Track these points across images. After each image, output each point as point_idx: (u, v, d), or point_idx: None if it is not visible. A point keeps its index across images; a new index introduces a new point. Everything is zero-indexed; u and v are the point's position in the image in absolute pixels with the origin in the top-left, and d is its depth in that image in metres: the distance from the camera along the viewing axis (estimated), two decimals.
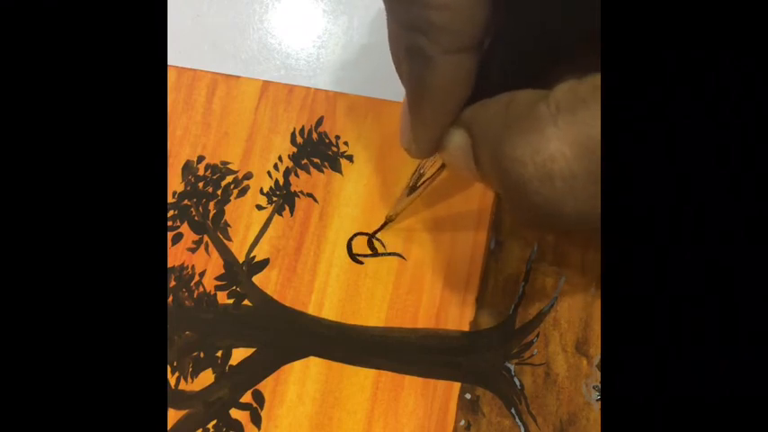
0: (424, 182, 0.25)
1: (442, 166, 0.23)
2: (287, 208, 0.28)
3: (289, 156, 0.28)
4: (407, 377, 0.26)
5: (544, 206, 0.16)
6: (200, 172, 0.28)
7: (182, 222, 0.28)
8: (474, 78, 0.18)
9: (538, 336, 0.26)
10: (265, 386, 0.26)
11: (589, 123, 0.15)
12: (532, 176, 0.16)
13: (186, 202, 0.28)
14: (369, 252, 0.27)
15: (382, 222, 0.27)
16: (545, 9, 0.18)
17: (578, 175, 0.16)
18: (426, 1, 0.17)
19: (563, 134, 0.16)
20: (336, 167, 0.28)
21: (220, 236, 0.28)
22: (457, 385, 0.26)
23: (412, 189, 0.25)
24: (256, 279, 0.27)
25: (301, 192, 0.28)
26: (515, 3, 0.17)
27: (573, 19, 0.18)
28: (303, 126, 0.29)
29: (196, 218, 0.28)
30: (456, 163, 0.20)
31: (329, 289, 0.27)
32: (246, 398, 0.26)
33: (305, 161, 0.28)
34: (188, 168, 0.28)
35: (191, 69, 0.30)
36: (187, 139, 0.29)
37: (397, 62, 0.20)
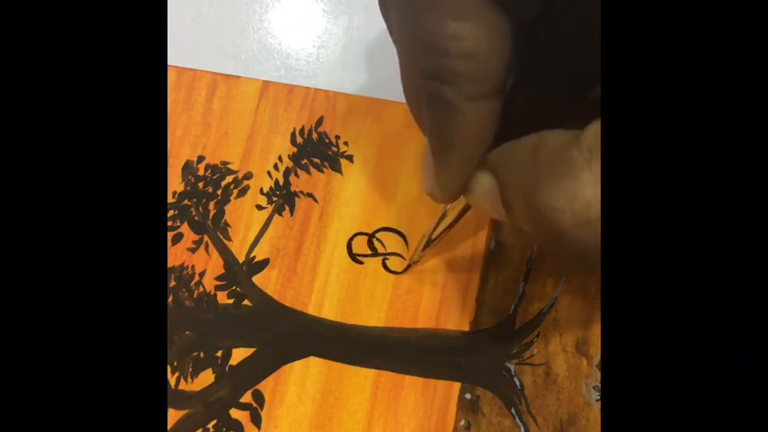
0: (446, 228, 0.24)
1: (465, 209, 0.23)
2: (287, 208, 0.28)
3: (289, 156, 0.28)
4: (407, 377, 0.26)
5: (584, 252, 0.16)
6: (201, 172, 0.28)
7: (182, 222, 0.28)
8: (497, 124, 0.18)
9: (538, 336, 0.26)
10: (265, 386, 0.26)
11: None
12: (571, 224, 0.16)
13: (186, 202, 0.28)
14: (369, 252, 0.27)
15: (406, 265, 0.27)
16: (568, 46, 0.17)
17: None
18: (448, 50, 0.16)
19: (597, 178, 0.16)
20: (336, 167, 0.28)
21: (220, 236, 0.28)
22: (457, 385, 0.26)
23: (436, 234, 0.25)
24: (256, 279, 0.27)
25: (301, 192, 0.28)
26: (537, 44, 0.17)
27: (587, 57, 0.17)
28: (303, 126, 0.29)
29: (196, 218, 0.28)
30: (483, 206, 0.19)
31: (329, 289, 0.27)
32: (246, 398, 0.26)
33: (305, 161, 0.28)
34: (188, 168, 0.28)
35: (191, 69, 0.30)
36: (187, 139, 0.29)
37: (416, 108, 0.19)
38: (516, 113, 0.18)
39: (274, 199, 0.28)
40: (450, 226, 0.24)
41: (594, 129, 0.16)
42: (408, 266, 0.27)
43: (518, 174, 0.18)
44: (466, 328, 0.26)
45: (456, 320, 0.26)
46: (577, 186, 0.16)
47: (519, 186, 0.18)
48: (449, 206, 0.23)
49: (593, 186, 0.16)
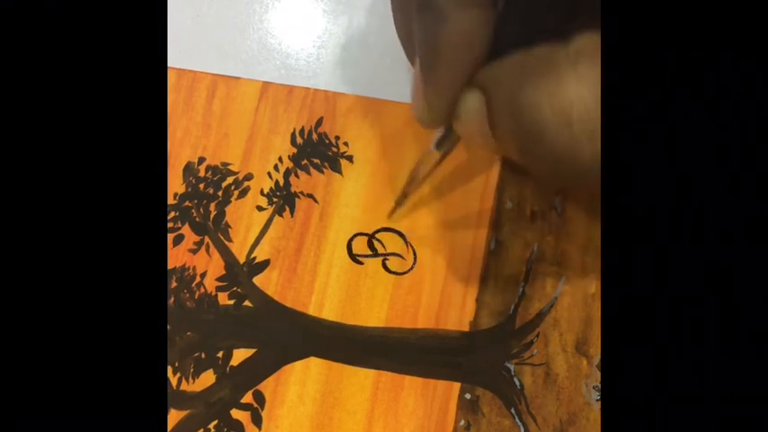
0: (429, 168, 0.24)
1: (440, 160, 0.23)
2: (287, 209, 0.28)
3: (289, 156, 0.28)
4: (407, 377, 0.26)
5: (562, 152, 0.16)
6: (201, 173, 0.28)
7: (183, 224, 0.28)
8: (488, 36, 0.18)
9: (538, 336, 0.26)
10: (266, 386, 0.26)
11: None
12: (549, 122, 0.16)
13: (187, 203, 0.28)
14: (369, 252, 0.27)
15: (392, 208, 0.27)
16: None
17: (596, 118, 0.15)
18: None
19: (582, 78, 0.15)
20: (336, 168, 0.28)
21: (221, 237, 0.28)
22: (457, 385, 0.26)
23: (416, 176, 0.25)
24: (257, 280, 0.27)
25: (301, 192, 0.28)
26: None
27: None
28: (303, 126, 0.29)
29: (197, 219, 0.28)
30: (470, 128, 0.19)
31: (329, 289, 0.27)
32: (247, 398, 0.26)
33: (305, 162, 0.28)
34: (188, 170, 0.28)
35: (191, 71, 0.30)
36: (187, 141, 0.29)
37: (405, 29, 0.19)
38: (507, 33, 0.18)
39: (275, 200, 0.28)
40: (435, 165, 0.24)
41: (584, 36, 0.16)
42: (394, 210, 0.27)
43: (504, 83, 0.17)
44: (466, 328, 0.26)
45: (456, 320, 0.26)
46: (559, 84, 0.16)
47: (504, 94, 0.17)
48: (420, 166, 0.24)
49: (577, 85, 0.15)
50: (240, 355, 0.26)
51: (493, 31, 0.18)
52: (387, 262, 0.27)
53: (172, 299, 0.27)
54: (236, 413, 0.25)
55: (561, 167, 0.16)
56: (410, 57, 0.21)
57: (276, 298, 0.27)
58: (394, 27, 0.22)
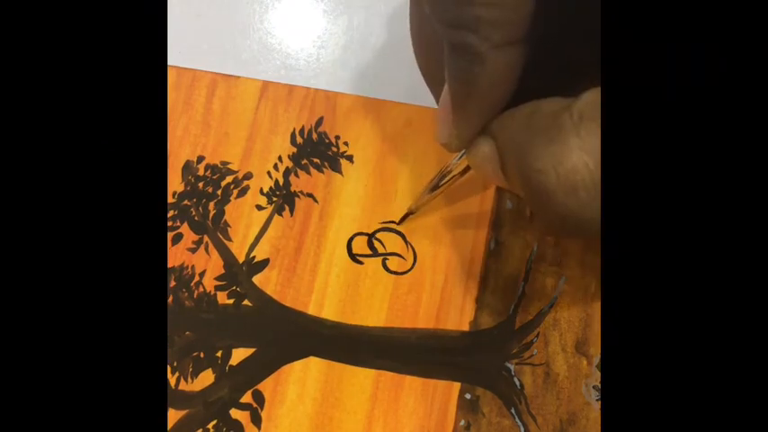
0: (448, 180, 0.24)
1: (468, 167, 0.23)
2: (287, 208, 0.28)
3: (289, 156, 0.28)
4: (407, 377, 0.26)
5: (568, 216, 0.16)
6: (200, 172, 0.28)
7: (182, 222, 0.28)
8: (520, 72, 0.18)
9: (538, 336, 0.26)
10: (265, 386, 0.26)
11: None
12: (556, 188, 0.16)
13: (186, 202, 0.28)
14: (369, 252, 0.27)
15: (404, 214, 0.27)
16: (582, 18, 0.17)
17: (600, 184, 0.16)
18: None
19: (585, 144, 0.16)
20: (336, 167, 0.28)
21: (220, 236, 0.28)
22: (457, 385, 0.26)
23: (437, 185, 0.25)
24: (256, 279, 0.27)
25: (301, 192, 0.28)
26: (555, 9, 0.17)
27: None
28: (303, 126, 0.29)
29: (196, 218, 0.28)
30: (484, 171, 0.20)
31: (329, 289, 0.27)
32: (246, 398, 0.26)
33: (305, 161, 0.28)
34: (188, 168, 0.28)
35: (190, 69, 0.30)
36: (187, 140, 0.29)
37: (429, 60, 0.19)
38: (533, 72, 0.18)
39: (274, 199, 0.28)
40: (451, 182, 0.24)
41: (587, 96, 0.16)
42: (405, 216, 0.27)
43: (513, 138, 0.18)
44: (466, 328, 0.26)
45: (456, 320, 0.26)
46: (564, 150, 0.16)
47: (513, 150, 0.18)
48: (452, 163, 0.24)
49: (581, 152, 0.16)
50: (239, 355, 0.26)
51: (524, 65, 0.18)
52: (387, 262, 0.27)
53: (170, 298, 0.27)
54: (235, 413, 0.25)
55: (567, 228, 0.17)
56: (433, 87, 0.22)
57: (276, 297, 0.27)
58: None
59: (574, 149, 0.16)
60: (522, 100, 0.18)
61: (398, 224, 0.27)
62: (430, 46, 0.20)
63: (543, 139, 0.17)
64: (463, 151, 0.22)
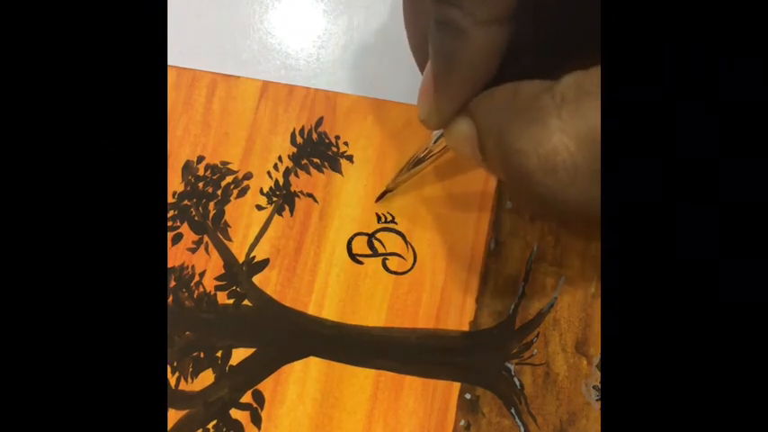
0: (429, 158, 0.24)
1: (440, 153, 0.24)
2: (287, 208, 0.28)
3: (289, 156, 0.28)
4: (407, 377, 0.26)
5: (547, 196, 0.17)
6: (200, 172, 0.28)
7: (182, 222, 0.28)
8: (503, 52, 0.18)
9: (538, 336, 0.26)
10: (265, 386, 0.26)
11: (592, 115, 0.15)
12: (536, 168, 0.16)
13: (186, 202, 0.28)
14: (369, 252, 0.27)
15: (381, 191, 0.27)
16: (567, 2, 0.17)
17: (581, 166, 0.16)
18: None
19: (566, 126, 0.16)
20: (336, 167, 0.28)
21: (220, 236, 0.28)
22: (457, 385, 0.26)
23: (416, 163, 0.25)
24: (256, 279, 0.27)
25: (301, 192, 0.28)
26: None
27: (587, 16, 0.17)
28: (303, 126, 0.29)
29: (196, 218, 0.28)
30: (461, 150, 0.20)
31: (329, 289, 0.27)
32: (246, 398, 0.26)
33: (305, 161, 0.28)
34: (188, 168, 0.28)
35: (190, 69, 0.30)
36: (187, 140, 0.29)
37: (417, 36, 0.19)
38: (515, 52, 0.18)
39: (274, 199, 0.28)
40: (431, 161, 0.24)
41: (569, 79, 0.16)
42: (383, 194, 0.27)
43: (493, 118, 0.18)
44: (466, 328, 0.26)
45: (456, 320, 0.26)
46: (544, 132, 0.16)
47: (492, 131, 0.18)
48: (432, 142, 0.24)
49: (562, 133, 0.16)
50: (239, 355, 0.26)
51: (508, 45, 0.18)
52: (387, 262, 0.27)
53: (170, 298, 0.27)
54: (235, 413, 0.25)
55: (546, 208, 0.17)
56: (420, 62, 0.22)
57: (275, 297, 0.27)
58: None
59: (555, 131, 0.16)
60: (503, 81, 0.18)
61: (377, 202, 0.27)
62: (419, 21, 0.20)
63: (524, 119, 0.17)
64: (442, 131, 0.22)
